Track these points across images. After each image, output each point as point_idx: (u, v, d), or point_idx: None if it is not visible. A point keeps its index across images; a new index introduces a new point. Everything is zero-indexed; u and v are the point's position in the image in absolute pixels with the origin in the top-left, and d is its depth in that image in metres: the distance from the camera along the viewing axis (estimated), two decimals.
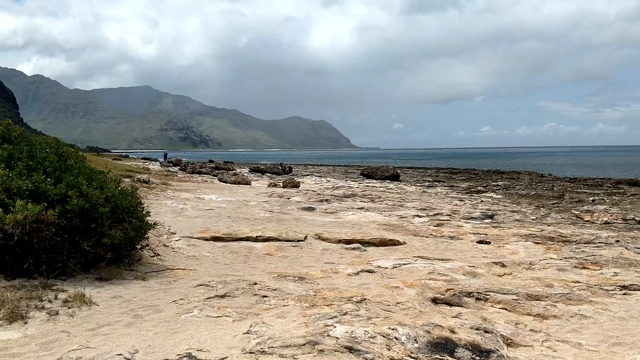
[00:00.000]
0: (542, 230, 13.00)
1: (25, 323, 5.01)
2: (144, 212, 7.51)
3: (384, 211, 16.96)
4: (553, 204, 21.17)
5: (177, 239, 10.10)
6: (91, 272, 6.79)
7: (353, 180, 36.30)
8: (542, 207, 19.96)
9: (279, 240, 10.73)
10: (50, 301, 5.60)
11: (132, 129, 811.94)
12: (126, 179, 18.51)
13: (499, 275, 8.31)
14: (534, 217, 16.80)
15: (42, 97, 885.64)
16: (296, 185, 27.24)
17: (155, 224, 8.24)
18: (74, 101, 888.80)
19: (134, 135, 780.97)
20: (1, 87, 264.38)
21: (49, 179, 6.51)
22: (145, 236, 7.78)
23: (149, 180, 21.12)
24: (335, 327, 4.92)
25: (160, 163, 62.28)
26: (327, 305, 5.75)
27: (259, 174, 44.04)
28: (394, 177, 37.97)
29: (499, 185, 31.40)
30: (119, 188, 7.40)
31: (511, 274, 8.48)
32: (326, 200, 20.07)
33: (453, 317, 5.83)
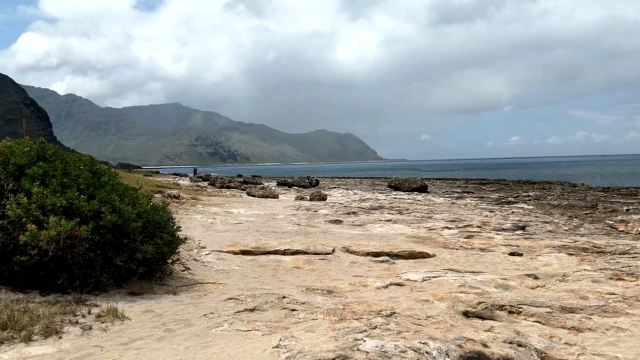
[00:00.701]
0: (576, 241, 12.73)
1: (60, 338, 5.10)
2: (175, 227, 7.61)
3: (412, 223, 16.84)
4: (586, 214, 20.74)
5: (206, 253, 10.21)
6: (123, 286, 6.90)
7: (380, 193, 36.16)
8: (575, 217, 19.57)
9: (307, 253, 10.75)
10: (83, 316, 5.70)
11: (162, 145, 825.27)
12: (157, 195, 18.79)
13: (532, 288, 8.16)
14: (566, 228, 16.48)
15: (74, 116, 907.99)
16: (323, 198, 27.27)
17: (186, 238, 8.35)
18: (105, 119, 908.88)
19: (164, 152, 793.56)
20: (35, 106, 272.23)
21: (82, 196, 6.66)
22: (176, 251, 7.89)
23: (179, 196, 21.41)
24: (365, 341, 4.89)
25: (189, 178, 63.09)
26: (356, 319, 5.72)
27: (286, 188, 44.25)
28: (422, 189, 37.71)
29: (530, 196, 30.90)
30: (151, 204, 7.53)
31: (544, 286, 8.31)
32: (353, 212, 20.03)
33: (485, 330, 5.73)
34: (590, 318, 6.41)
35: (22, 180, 6.72)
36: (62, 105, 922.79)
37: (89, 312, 5.79)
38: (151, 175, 60.11)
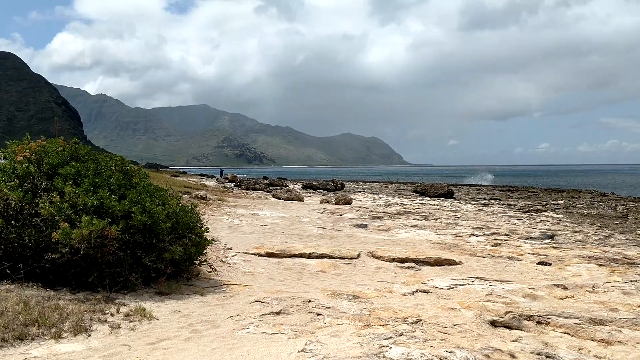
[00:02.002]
0: (606, 252, 12.47)
1: (89, 336, 5.18)
2: (203, 229, 7.69)
3: (439, 229, 16.70)
4: (616, 224, 20.31)
5: (233, 254, 10.28)
6: (151, 286, 6.98)
7: (405, 198, 35.96)
8: (605, 227, 19.18)
9: (332, 257, 10.74)
10: (112, 314, 5.78)
11: (189, 146, 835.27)
12: (184, 195, 19.00)
13: (561, 298, 8.01)
14: (596, 238, 16.16)
15: (104, 115, 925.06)
16: (348, 202, 27.23)
17: (213, 240, 8.42)
18: (135, 119, 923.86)
19: (191, 152, 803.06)
20: (67, 105, 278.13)
21: (113, 196, 6.78)
22: (204, 252, 7.96)
23: (206, 197, 21.61)
24: (390, 348, 4.87)
25: (216, 179, 63.65)
26: (382, 325, 5.70)
27: (312, 190, 44.30)
28: (448, 195, 37.39)
29: (559, 204, 30.39)
30: (180, 205, 7.62)
31: (573, 297, 8.15)
32: (379, 217, 19.96)
33: (513, 341, 5.65)
34: (620, 331, 6.27)
35: (55, 179, 6.87)
36: (93, 104, 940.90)
37: (118, 311, 5.87)
38: (178, 176, 60.86)
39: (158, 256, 6.80)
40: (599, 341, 5.96)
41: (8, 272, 6.45)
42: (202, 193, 22.78)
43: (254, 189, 40.76)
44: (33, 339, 4.93)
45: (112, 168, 7.41)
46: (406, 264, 10.51)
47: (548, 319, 6.56)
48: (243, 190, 38.68)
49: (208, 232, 7.98)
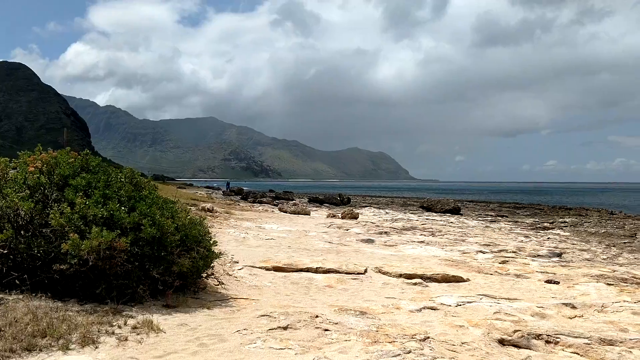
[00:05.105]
0: (614, 271, 12.37)
1: (96, 348, 5.16)
2: (211, 242, 7.69)
3: (446, 246, 16.64)
4: (624, 243, 20.17)
5: (239, 268, 10.27)
6: (158, 299, 6.98)
7: (412, 213, 35.89)
8: (613, 246, 19.05)
9: (339, 272, 10.71)
10: (119, 327, 5.77)
11: (196, 159, 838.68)
12: (192, 208, 19.04)
13: (570, 317, 7.94)
14: (604, 257, 16.05)
15: (112, 127, 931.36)
16: (355, 217, 27.20)
17: (220, 253, 8.41)
18: (142, 131, 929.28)
19: (198, 165, 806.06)
20: (75, 116, 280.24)
21: (123, 208, 6.80)
22: (211, 265, 7.95)
23: (212, 209, 21.65)
24: None
25: (222, 192, 63.71)
26: (389, 342, 5.66)
27: (318, 204, 44.30)
28: (455, 211, 37.29)
29: (566, 222, 30.25)
30: (188, 217, 7.63)
31: (582, 316, 8.08)
32: (385, 232, 19.92)
33: None
34: (630, 351, 6.21)
35: (65, 190, 6.90)
36: (101, 116, 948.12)
37: (125, 323, 5.86)
38: (185, 188, 61.04)
39: (166, 269, 6.80)
40: None
41: (17, 282, 6.46)
42: (209, 205, 22.83)
43: (261, 202, 40.81)
44: (41, 350, 4.92)
45: (122, 180, 7.44)
46: (413, 280, 10.46)
47: (557, 338, 6.50)
48: (249, 203, 38.73)
49: (216, 245, 7.99)
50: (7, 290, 6.37)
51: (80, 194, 6.79)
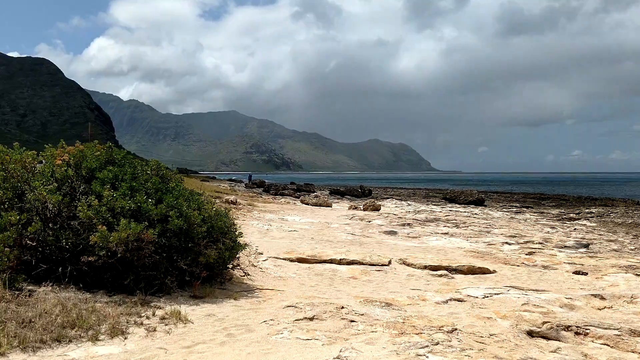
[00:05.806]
0: None
1: (125, 338, 5.22)
2: (236, 233, 7.72)
3: (470, 237, 16.48)
4: None
5: (264, 259, 10.30)
6: (186, 289, 7.03)
7: (435, 204, 35.64)
8: None
9: (363, 264, 10.67)
10: (148, 317, 5.83)
11: (219, 152, 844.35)
12: (215, 200, 19.17)
13: (599, 309, 7.80)
14: (632, 247, 15.75)
15: (136, 121, 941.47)
16: (377, 209, 27.09)
17: (246, 244, 8.44)
18: (165, 125, 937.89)
19: (220, 158, 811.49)
20: (99, 111, 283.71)
21: (150, 200, 6.85)
22: (237, 256, 7.98)
23: (236, 201, 21.77)
24: (427, 357, 4.79)
25: (245, 184, 64.09)
26: (417, 334, 5.62)
27: (339, 196, 44.27)
28: (479, 202, 36.94)
29: (593, 213, 29.76)
30: (214, 209, 7.66)
31: (611, 307, 7.93)
32: (408, 224, 19.80)
33: (551, 352, 5.52)
34: None
35: (93, 183, 6.97)
36: (125, 110, 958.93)
37: (154, 314, 5.92)
38: (208, 181, 61.54)
39: (193, 260, 6.84)
40: None
41: (46, 274, 6.55)
42: (232, 198, 22.96)
43: (282, 195, 40.93)
44: (71, 341, 4.99)
45: (149, 172, 7.49)
46: (438, 272, 10.37)
47: (587, 329, 6.38)
48: (271, 196, 38.88)
49: (241, 236, 8.01)
50: (36, 282, 6.46)
51: (108, 186, 6.85)
